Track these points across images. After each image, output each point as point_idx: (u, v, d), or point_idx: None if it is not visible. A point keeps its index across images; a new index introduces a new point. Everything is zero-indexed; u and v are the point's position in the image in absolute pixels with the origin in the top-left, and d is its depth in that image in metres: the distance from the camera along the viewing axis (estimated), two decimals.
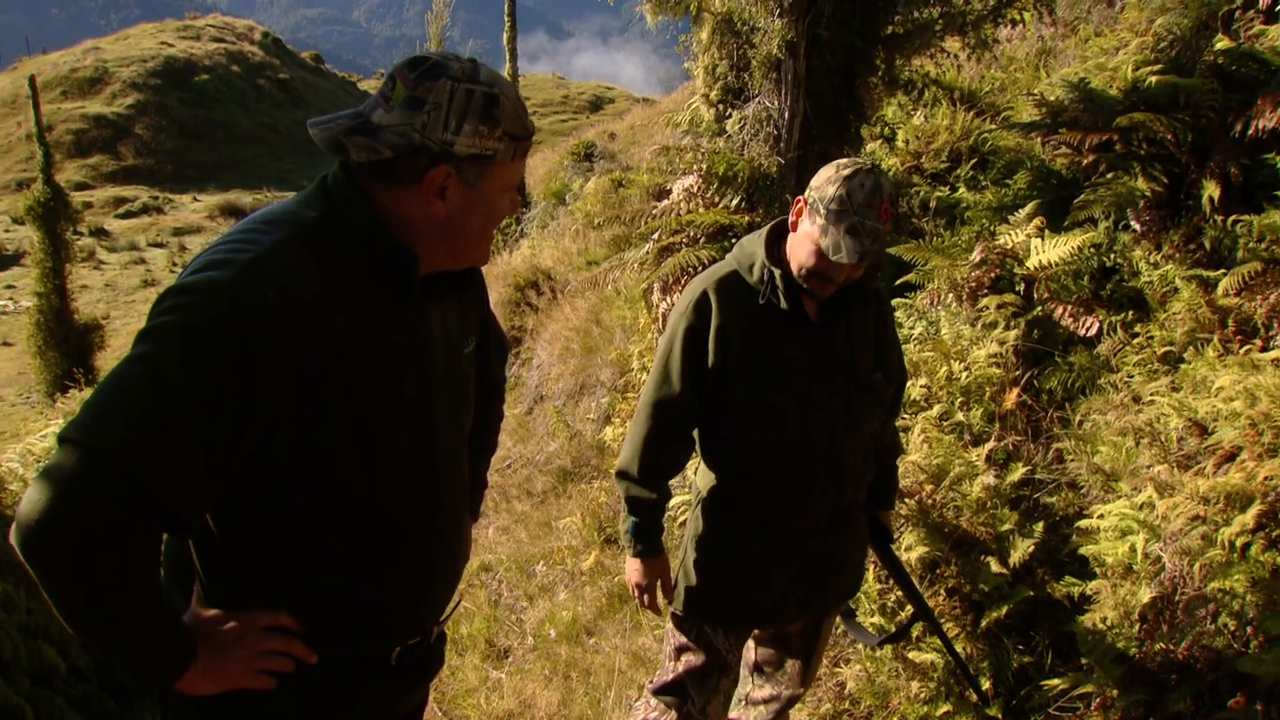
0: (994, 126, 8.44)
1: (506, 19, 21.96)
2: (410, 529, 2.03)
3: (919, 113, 8.91)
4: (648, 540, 3.06)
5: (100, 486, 1.57)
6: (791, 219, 2.81)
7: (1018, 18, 6.61)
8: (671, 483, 3.11)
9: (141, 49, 58.05)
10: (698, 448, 3.07)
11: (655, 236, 7.27)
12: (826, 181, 2.67)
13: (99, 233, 38.33)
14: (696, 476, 3.14)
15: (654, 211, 7.47)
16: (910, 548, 4.00)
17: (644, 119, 25.36)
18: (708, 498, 3.05)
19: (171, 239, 38.31)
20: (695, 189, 7.04)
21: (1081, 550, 3.88)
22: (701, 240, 6.88)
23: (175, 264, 33.99)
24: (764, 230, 2.93)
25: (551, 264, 13.93)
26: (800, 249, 2.74)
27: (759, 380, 2.83)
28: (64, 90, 57.60)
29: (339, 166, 1.92)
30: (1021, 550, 3.92)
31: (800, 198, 2.78)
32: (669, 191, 7.63)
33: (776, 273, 2.78)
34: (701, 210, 6.92)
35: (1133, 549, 3.64)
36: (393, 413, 1.92)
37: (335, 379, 1.80)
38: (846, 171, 2.65)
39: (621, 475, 3.04)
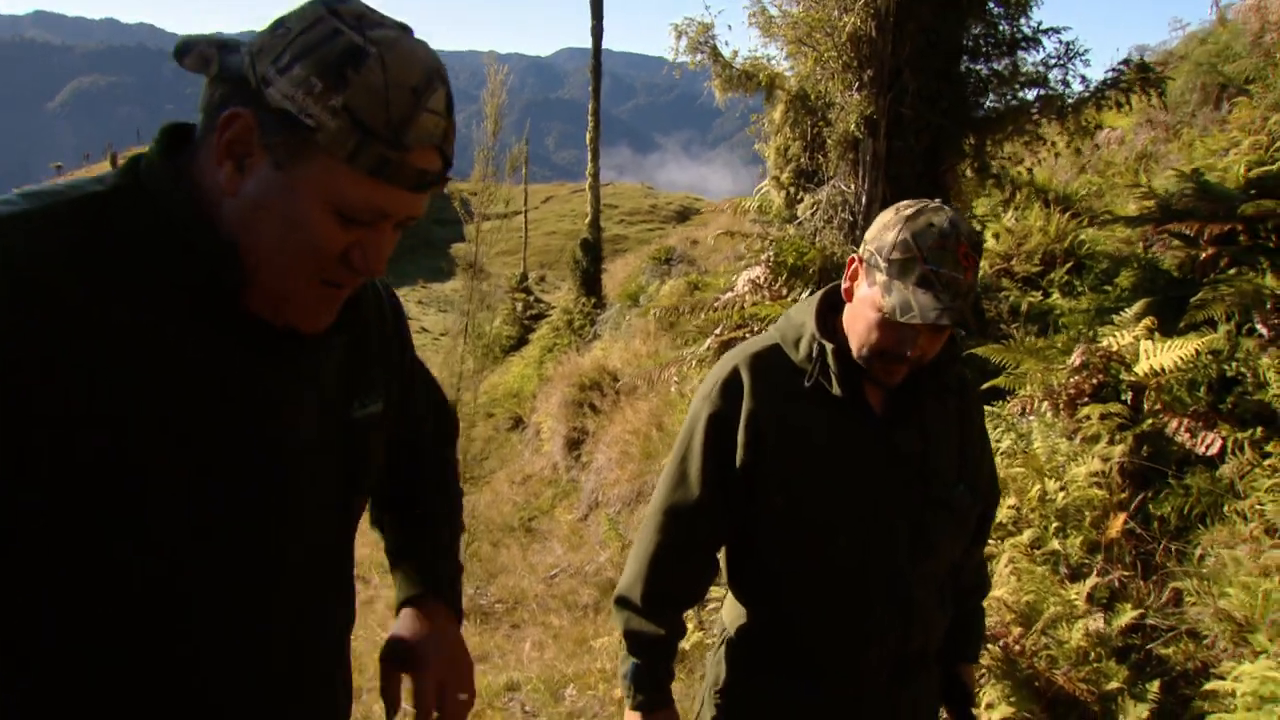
0: (1092, 226, 7.78)
1: (590, 118, 21.78)
2: (220, 687, 1.35)
3: (1009, 213, 8.29)
4: (651, 689, 2.36)
5: None
6: (845, 285, 2.15)
7: (1123, 100, 5.96)
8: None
9: None
10: (723, 571, 2.39)
11: (717, 331, 6.66)
12: (884, 228, 2.01)
13: None
14: (722, 609, 2.45)
15: (716, 304, 6.88)
16: (992, 705, 3.25)
17: (727, 226, 25.07)
18: (735, 637, 2.35)
19: None
20: (762, 280, 6.45)
21: (1210, 719, 3.11)
22: None
23: None
24: (815, 297, 2.26)
25: (619, 364, 13.39)
26: (859, 320, 2.07)
27: (800, 487, 2.14)
28: None
29: (161, 132, 1.32)
30: (1133, 716, 3.16)
31: (853, 256, 2.13)
32: (735, 284, 7.06)
33: (828, 348, 2.11)
34: (768, 303, 6.30)
35: None
36: (195, 504, 1.27)
37: (92, 440, 1.17)
38: (909, 211, 2.00)
39: (621, 603, 2.35)
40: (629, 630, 2.32)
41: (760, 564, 2.27)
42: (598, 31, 22.11)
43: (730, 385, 2.16)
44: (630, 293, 18.92)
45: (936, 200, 2.08)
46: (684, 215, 62.04)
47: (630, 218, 60.66)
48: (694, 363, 6.82)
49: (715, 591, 4.41)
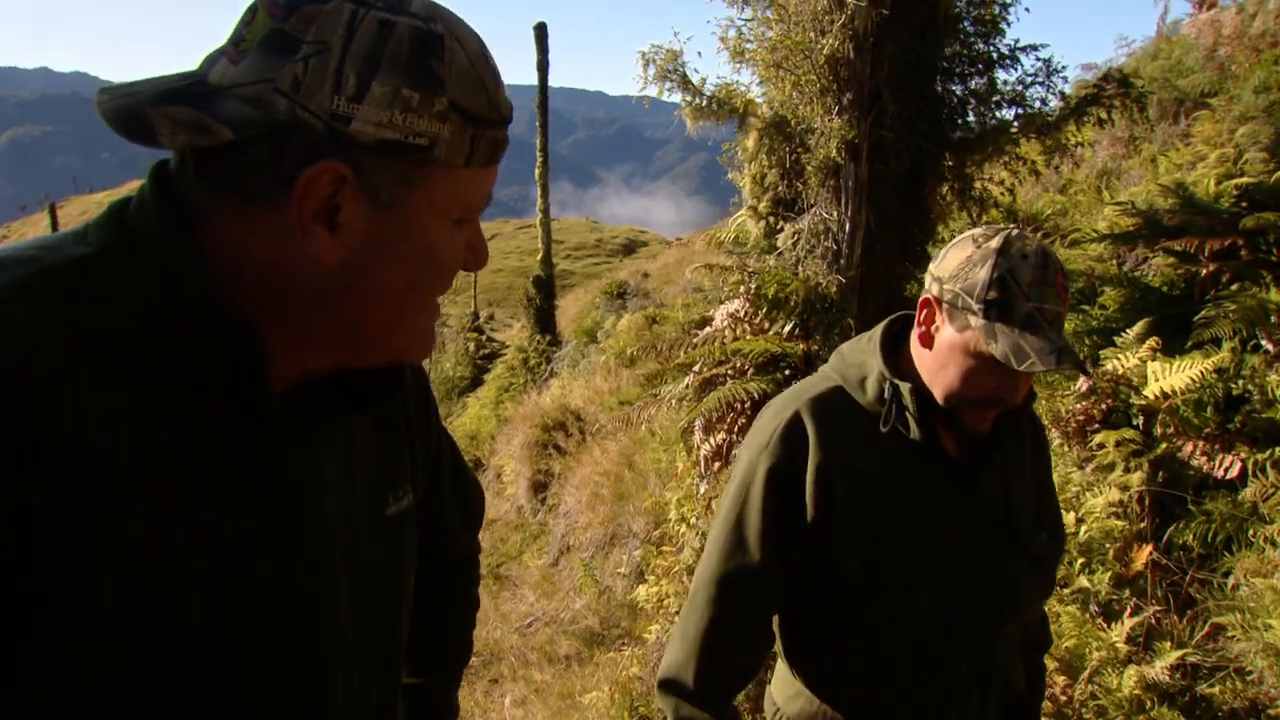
0: (1067, 246, 7.67)
1: (538, 154, 21.60)
2: None
3: None
4: None
5: None
6: (920, 329, 1.90)
7: (1104, 116, 5.84)
8: None
9: None
10: (778, 646, 2.13)
11: (696, 368, 6.43)
12: (967, 264, 1.78)
13: None
14: (772, 688, 2.19)
15: (695, 340, 6.66)
16: None
17: (677, 258, 24.90)
18: (793, 716, 2.09)
19: None
20: (742, 314, 6.23)
21: None
22: (749, 371, 6.03)
23: None
24: (875, 334, 2.01)
25: (581, 404, 13.12)
26: (949, 367, 1.83)
27: (878, 542, 1.89)
28: None
29: (151, 176, 1.04)
30: None
31: (927, 297, 1.88)
32: (711, 319, 6.84)
33: (904, 388, 1.87)
34: (749, 337, 6.09)
35: None
36: (227, 628, 1.02)
37: (92, 560, 0.92)
38: (994, 243, 1.76)
39: (668, 687, 2.05)
40: (679, 719, 2.06)
41: (826, 632, 2.02)
42: (543, 66, 21.96)
43: (792, 433, 1.91)
44: (587, 329, 18.69)
45: (1012, 226, 1.88)
46: (630, 248, 62.03)
47: (576, 252, 60.61)
48: (673, 402, 6.57)
49: None
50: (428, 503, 1.49)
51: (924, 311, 1.87)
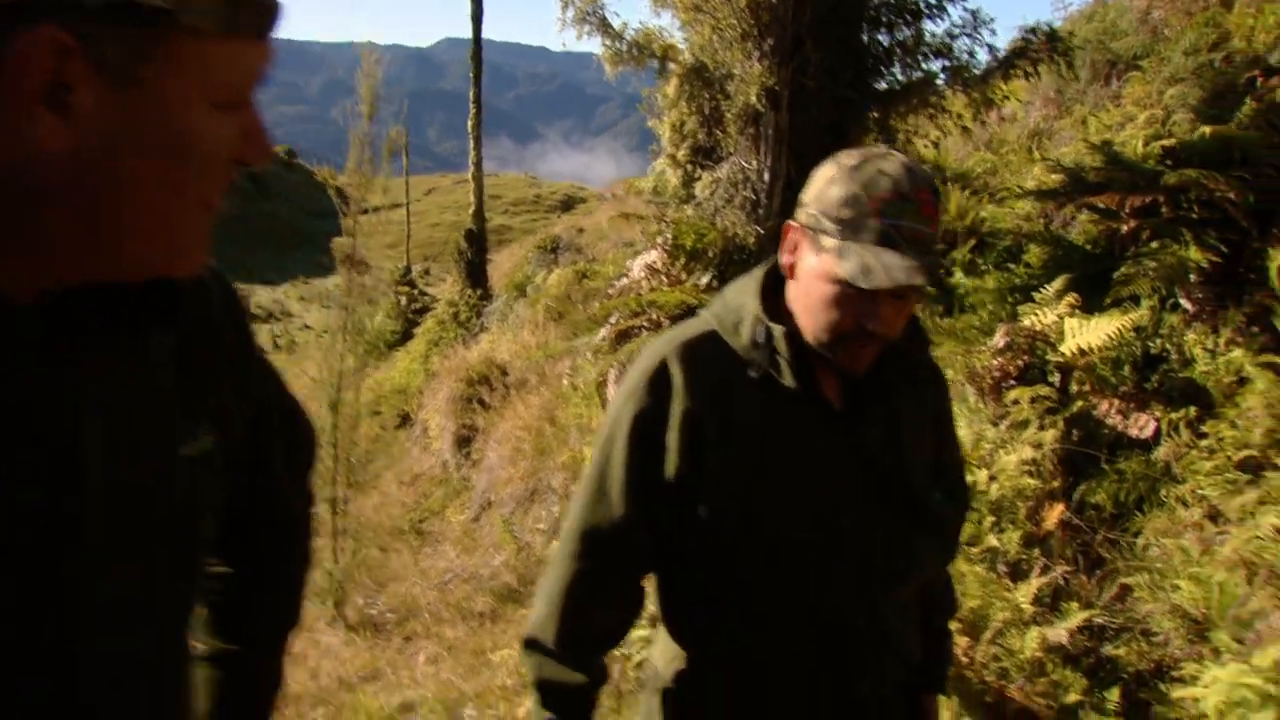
0: (994, 203, 7.59)
1: (471, 105, 21.12)
2: None
3: None
4: None
5: None
6: (784, 259, 1.74)
7: (1030, 70, 5.73)
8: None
9: None
10: (656, 606, 1.99)
11: (612, 320, 6.28)
12: (826, 184, 1.64)
13: None
14: (653, 651, 2.05)
15: (610, 292, 6.50)
16: None
17: (612, 213, 24.70)
18: (671, 683, 1.95)
19: None
20: (659, 265, 6.08)
21: None
22: (665, 323, 5.89)
23: None
24: (756, 274, 1.85)
25: (508, 357, 12.92)
26: (809, 297, 1.69)
27: (750, 498, 1.74)
28: None
29: None
30: None
31: (789, 224, 1.74)
32: (629, 270, 6.68)
33: (777, 331, 1.73)
34: (666, 289, 5.94)
35: None
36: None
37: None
38: (852, 161, 1.62)
39: (531, 646, 1.91)
40: (541, 679, 1.90)
41: (700, 593, 1.87)
42: (478, 16, 21.47)
43: (659, 380, 1.75)
44: (517, 283, 18.42)
45: (882, 146, 1.73)
46: (569, 204, 61.74)
47: (515, 208, 60.30)
48: (589, 354, 6.42)
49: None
50: (250, 445, 1.32)
51: (787, 238, 1.71)
